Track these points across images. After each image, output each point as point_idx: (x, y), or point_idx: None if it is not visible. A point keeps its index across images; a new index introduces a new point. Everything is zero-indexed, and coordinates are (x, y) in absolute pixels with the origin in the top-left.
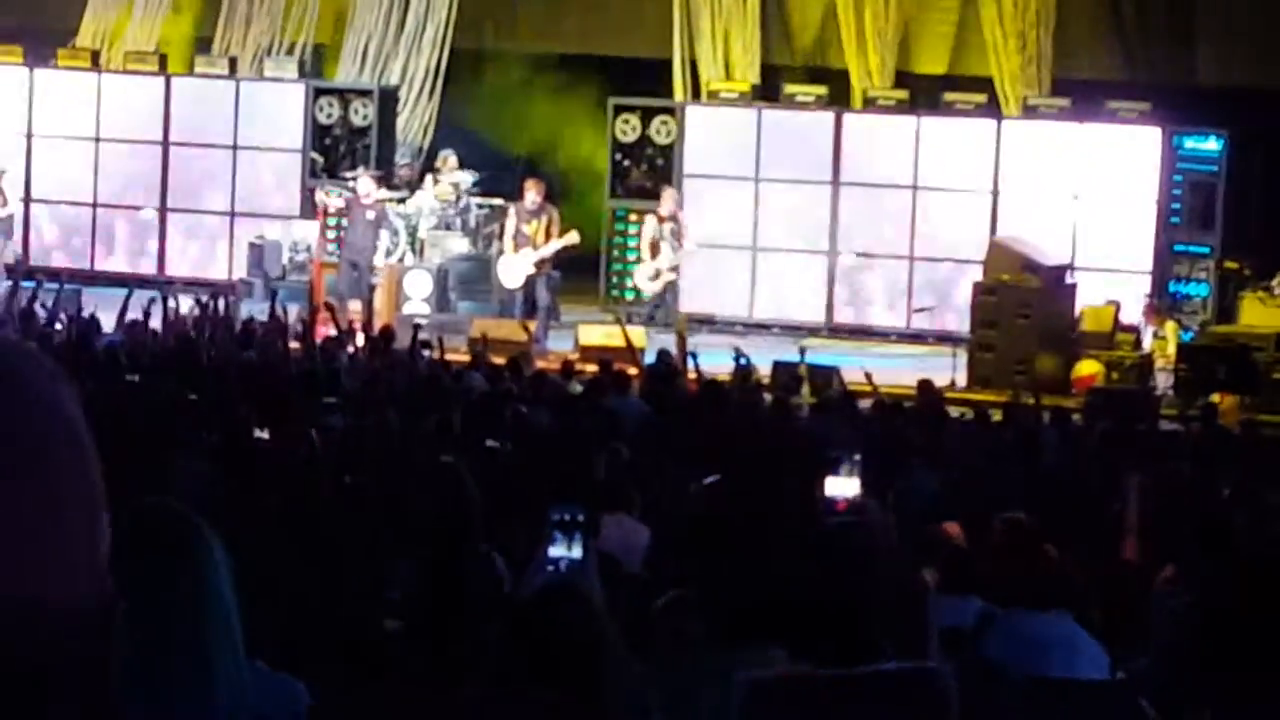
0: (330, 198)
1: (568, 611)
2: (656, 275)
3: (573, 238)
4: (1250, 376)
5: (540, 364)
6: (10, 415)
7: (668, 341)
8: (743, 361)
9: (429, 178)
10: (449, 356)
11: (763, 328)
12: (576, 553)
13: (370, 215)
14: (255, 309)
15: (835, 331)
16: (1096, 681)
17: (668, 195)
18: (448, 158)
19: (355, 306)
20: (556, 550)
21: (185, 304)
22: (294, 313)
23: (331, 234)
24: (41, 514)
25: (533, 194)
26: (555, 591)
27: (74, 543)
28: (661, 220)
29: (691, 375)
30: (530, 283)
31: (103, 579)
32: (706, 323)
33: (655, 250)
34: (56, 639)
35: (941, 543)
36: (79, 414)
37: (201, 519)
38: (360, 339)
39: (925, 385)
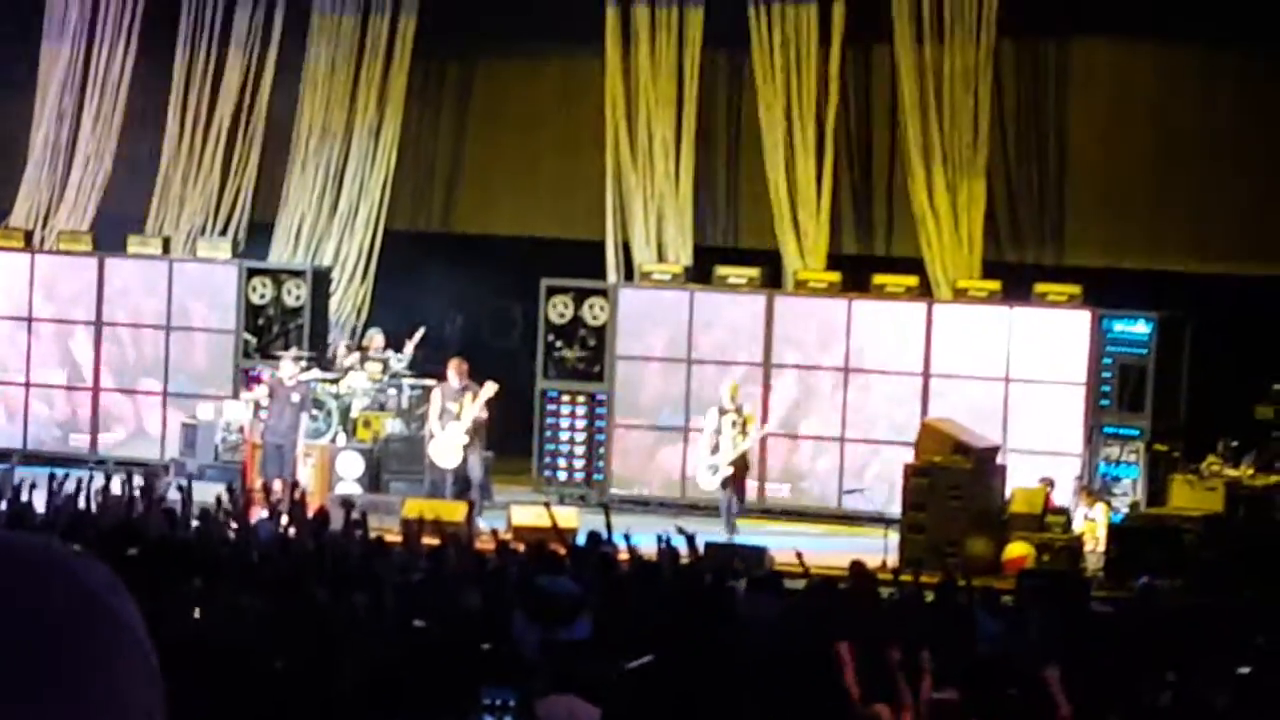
0: (255, 391)
1: None
2: (714, 470)
3: (490, 388)
4: (1180, 558)
5: (477, 544)
6: (78, 630)
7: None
8: (665, 541)
9: (357, 358)
10: (383, 537)
11: (695, 508)
12: None
13: (294, 397)
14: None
15: (767, 512)
16: None
17: (729, 387)
18: (374, 337)
19: (279, 488)
20: None
21: (117, 484)
22: (224, 494)
23: (264, 414)
24: None
25: (454, 374)
26: None
27: None
28: (723, 413)
29: (624, 555)
30: (465, 461)
31: None
32: (639, 503)
33: (716, 445)
34: None
35: None
36: (140, 625)
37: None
38: (284, 520)
39: (857, 565)
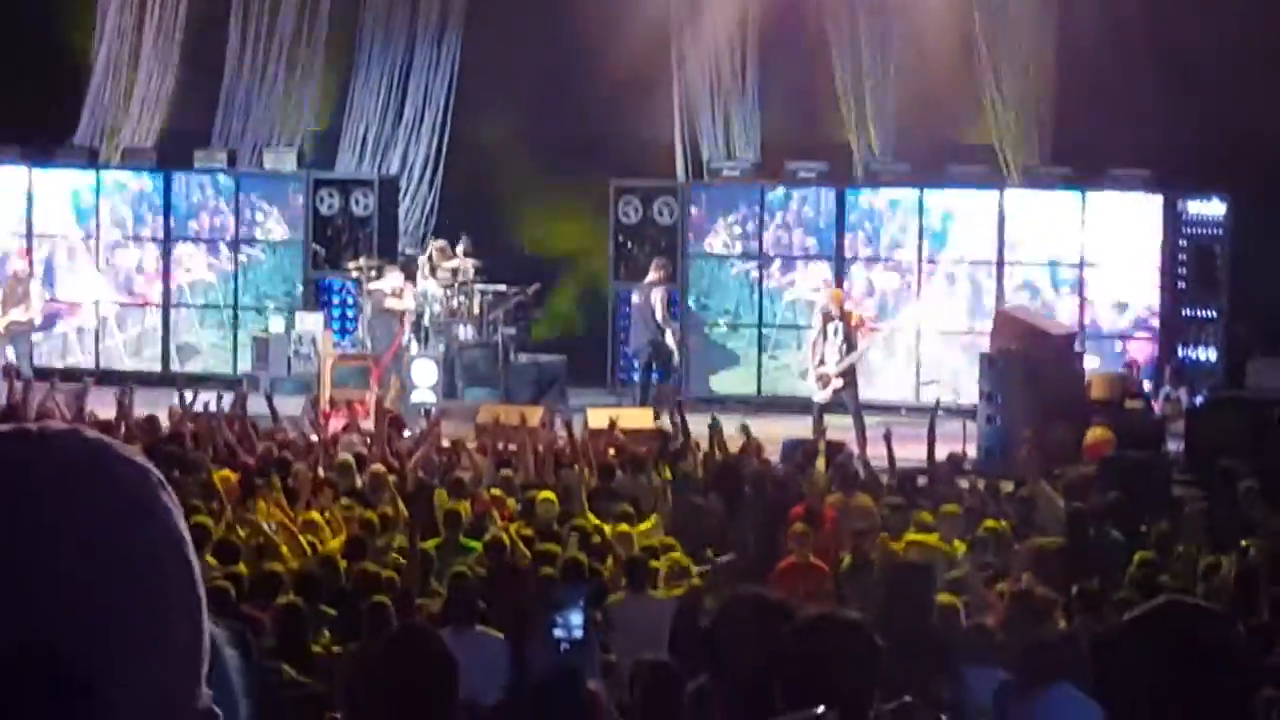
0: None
1: (564, 703)
2: (824, 383)
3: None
4: (1261, 438)
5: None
6: (118, 526)
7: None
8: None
9: (428, 265)
10: (461, 443)
11: (771, 406)
12: (577, 633)
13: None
14: (261, 405)
15: (842, 406)
16: None
17: (832, 295)
18: (444, 245)
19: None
20: (559, 632)
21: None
22: (300, 406)
23: (335, 325)
24: (151, 629)
25: (655, 273)
26: (552, 684)
27: (182, 658)
28: (828, 319)
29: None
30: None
31: (203, 694)
32: (714, 402)
33: (822, 356)
34: None
35: (935, 579)
36: (181, 522)
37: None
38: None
39: (954, 459)
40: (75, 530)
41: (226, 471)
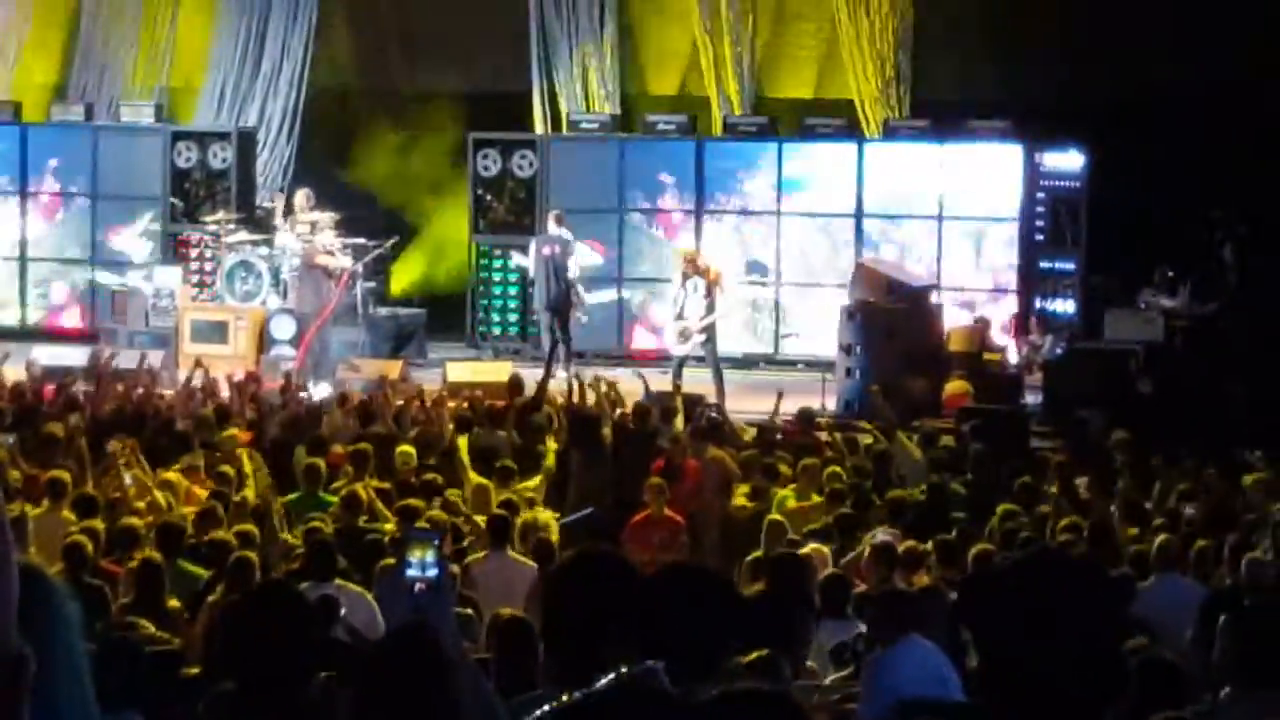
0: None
1: (417, 659)
2: (685, 337)
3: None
4: (1118, 390)
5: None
6: None
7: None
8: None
9: (288, 219)
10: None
11: (630, 359)
12: (432, 573)
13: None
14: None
15: (700, 359)
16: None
17: (685, 254)
18: (309, 196)
19: None
20: (412, 572)
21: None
22: (158, 360)
23: (194, 279)
24: None
25: (553, 223)
26: (404, 638)
27: None
28: (686, 277)
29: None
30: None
31: (12, 633)
32: (575, 355)
33: (681, 312)
34: None
35: (814, 569)
36: None
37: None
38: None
39: (806, 413)
40: None
41: (235, 430)
